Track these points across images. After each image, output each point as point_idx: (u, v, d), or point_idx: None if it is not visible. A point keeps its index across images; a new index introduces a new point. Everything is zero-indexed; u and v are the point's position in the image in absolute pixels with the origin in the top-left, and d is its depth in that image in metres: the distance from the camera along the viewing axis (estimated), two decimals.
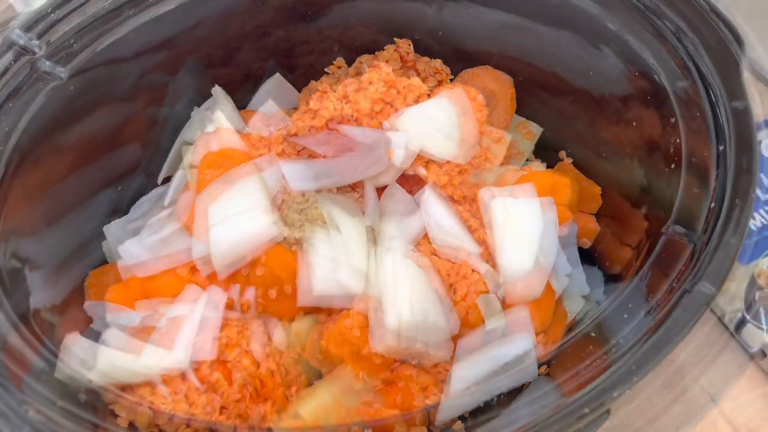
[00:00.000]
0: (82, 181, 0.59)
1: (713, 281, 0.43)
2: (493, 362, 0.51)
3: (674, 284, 0.45)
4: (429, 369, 0.53)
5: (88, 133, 0.58)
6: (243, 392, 0.52)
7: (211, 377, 0.53)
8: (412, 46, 0.67)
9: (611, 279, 0.62)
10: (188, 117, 0.65)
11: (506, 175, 0.62)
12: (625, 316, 0.45)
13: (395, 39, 0.67)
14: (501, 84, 0.67)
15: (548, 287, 0.57)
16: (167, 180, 0.64)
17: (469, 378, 0.50)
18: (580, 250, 0.64)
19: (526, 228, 0.56)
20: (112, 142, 0.61)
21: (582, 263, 0.63)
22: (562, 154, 0.67)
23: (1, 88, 0.53)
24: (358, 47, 0.69)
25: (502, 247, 0.55)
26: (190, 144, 0.63)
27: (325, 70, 0.69)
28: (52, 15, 0.55)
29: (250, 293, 0.56)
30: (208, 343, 0.53)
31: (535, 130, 0.68)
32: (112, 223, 0.60)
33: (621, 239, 0.60)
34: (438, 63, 0.67)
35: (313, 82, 0.69)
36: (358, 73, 0.67)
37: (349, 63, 0.69)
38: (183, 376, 0.52)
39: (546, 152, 0.68)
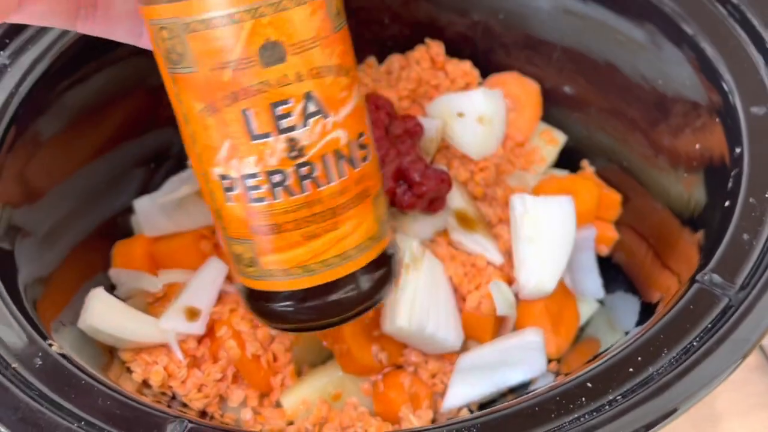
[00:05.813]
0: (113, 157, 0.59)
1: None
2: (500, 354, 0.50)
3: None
4: (439, 356, 0.52)
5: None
6: (225, 373, 0.51)
7: (196, 352, 0.51)
8: (443, 47, 0.67)
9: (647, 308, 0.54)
10: None
11: (550, 182, 0.61)
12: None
13: (426, 40, 0.67)
14: (527, 91, 0.67)
15: (573, 312, 0.55)
16: None
17: (475, 366, 0.50)
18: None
19: (555, 245, 0.52)
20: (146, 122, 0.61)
21: (621, 291, 0.58)
22: (584, 163, 0.66)
23: None
24: (391, 47, 0.69)
25: (523, 262, 0.52)
26: None
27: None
28: None
29: None
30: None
31: (559, 137, 0.68)
32: (143, 197, 0.59)
33: (664, 263, 0.53)
34: (467, 65, 0.67)
35: None
36: (389, 72, 0.68)
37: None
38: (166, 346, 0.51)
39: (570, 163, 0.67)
